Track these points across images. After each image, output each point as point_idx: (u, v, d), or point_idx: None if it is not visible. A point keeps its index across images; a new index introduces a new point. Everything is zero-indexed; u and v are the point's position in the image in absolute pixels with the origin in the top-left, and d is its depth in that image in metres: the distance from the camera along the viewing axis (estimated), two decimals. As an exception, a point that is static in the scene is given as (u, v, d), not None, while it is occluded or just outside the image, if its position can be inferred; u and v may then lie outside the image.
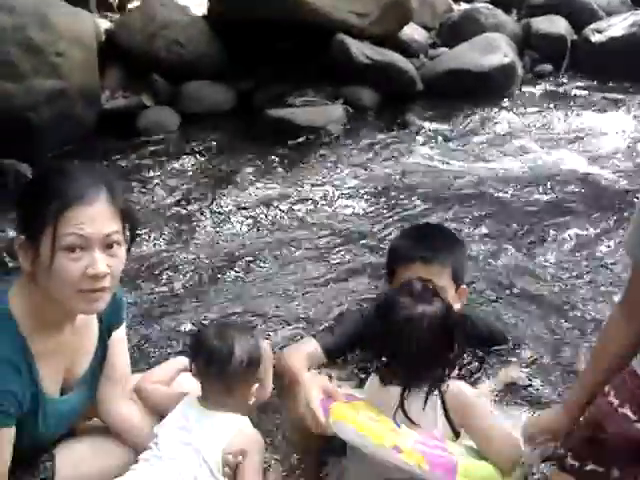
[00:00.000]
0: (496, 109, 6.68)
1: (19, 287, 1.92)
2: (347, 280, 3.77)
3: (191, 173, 5.34)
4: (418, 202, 4.76)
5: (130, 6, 7.62)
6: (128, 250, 1.93)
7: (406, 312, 2.11)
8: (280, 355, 2.53)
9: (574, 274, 3.81)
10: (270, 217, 4.59)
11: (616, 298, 3.27)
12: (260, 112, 6.24)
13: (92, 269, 1.80)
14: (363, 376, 2.49)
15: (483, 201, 4.75)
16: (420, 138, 6.02)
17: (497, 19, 7.96)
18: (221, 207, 4.73)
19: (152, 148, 5.80)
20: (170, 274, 3.88)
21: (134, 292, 3.60)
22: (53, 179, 1.88)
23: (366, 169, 5.40)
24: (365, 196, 4.89)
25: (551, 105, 6.85)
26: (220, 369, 2.10)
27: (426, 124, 6.30)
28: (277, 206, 4.73)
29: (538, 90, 7.34)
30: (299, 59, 6.45)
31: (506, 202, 4.74)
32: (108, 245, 1.84)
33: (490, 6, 8.25)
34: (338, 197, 4.89)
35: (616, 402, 1.91)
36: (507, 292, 3.59)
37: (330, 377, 2.44)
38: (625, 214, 4.37)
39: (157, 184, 5.11)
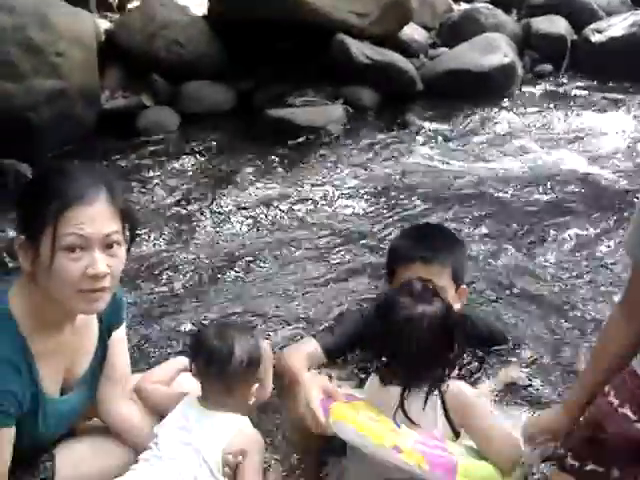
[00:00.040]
0: (496, 109, 6.68)
1: (19, 287, 1.92)
2: (347, 280, 3.77)
3: (191, 173, 5.34)
4: (418, 202, 4.75)
5: (130, 6, 7.61)
6: (128, 250, 1.93)
7: (406, 312, 2.10)
8: (280, 355, 2.52)
9: (574, 274, 3.81)
10: (270, 217, 4.59)
11: (616, 298, 3.26)
12: (260, 112, 6.24)
13: (92, 269, 1.80)
14: (363, 376, 2.49)
15: (483, 201, 4.75)
16: (420, 138, 6.02)
17: (497, 19, 7.96)
18: (221, 207, 4.73)
19: (152, 148, 5.80)
20: (170, 274, 3.88)
21: (134, 292, 3.61)
22: (53, 179, 1.88)
23: (366, 169, 5.40)
24: (365, 196, 4.89)
25: (551, 105, 6.85)
26: (220, 369, 2.10)
27: (426, 124, 6.30)
28: (277, 206, 4.73)
29: (538, 90, 7.34)
30: (299, 59, 6.45)
31: (506, 202, 4.74)
32: (108, 245, 1.84)
33: (490, 6, 8.25)
34: (338, 197, 4.89)
35: (616, 402, 1.91)
36: (507, 292, 3.59)
37: (330, 377, 2.44)
38: (625, 214, 4.36)
39: (157, 184, 5.11)
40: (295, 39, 6.49)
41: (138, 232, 2.06)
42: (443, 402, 2.13)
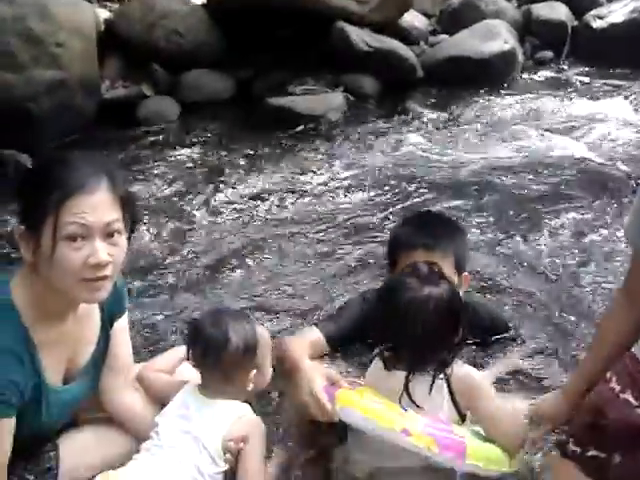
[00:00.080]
0: (497, 96, 6.67)
1: (21, 277, 1.92)
2: (350, 271, 3.74)
3: (191, 164, 5.33)
4: (419, 191, 4.74)
5: (129, -5, 7.58)
6: (129, 239, 1.94)
7: (412, 294, 2.09)
8: (281, 343, 2.53)
9: (574, 261, 3.80)
10: (270, 208, 4.58)
11: (616, 286, 3.28)
12: (260, 100, 6.24)
13: (94, 258, 1.81)
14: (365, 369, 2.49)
15: (483, 189, 4.74)
16: (421, 125, 6.01)
17: (497, 6, 7.92)
18: (221, 198, 4.71)
19: (152, 138, 5.80)
20: (170, 265, 3.87)
21: (133, 283, 3.59)
22: (54, 169, 1.88)
23: (366, 157, 5.39)
24: (365, 185, 4.87)
25: (552, 92, 6.83)
26: (217, 357, 2.10)
27: (426, 111, 6.29)
28: (277, 196, 4.71)
29: (539, 77, 7.32)
30: (299, 47, 6.43)
31: (506, 190, 4.73)
32: (109, 234, 1.84)
33: (490, -8, 8.21)
34: (338, 186, 4.87)
35: (617, 388, 1.91)
36: (507, 280, 3.58)
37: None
38: (625, 201, 4.36)
39: (157, 174, 5.11)
40: (295, 27, 6.47)
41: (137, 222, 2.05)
42: (449, 385, 2.12)
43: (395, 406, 2.10)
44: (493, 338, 2.85)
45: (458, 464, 2.08)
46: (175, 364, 2.31)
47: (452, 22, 7.81)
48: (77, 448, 2.11)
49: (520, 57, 7.39)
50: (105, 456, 2.12)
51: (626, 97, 6.63)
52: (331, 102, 6.26)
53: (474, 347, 2.75)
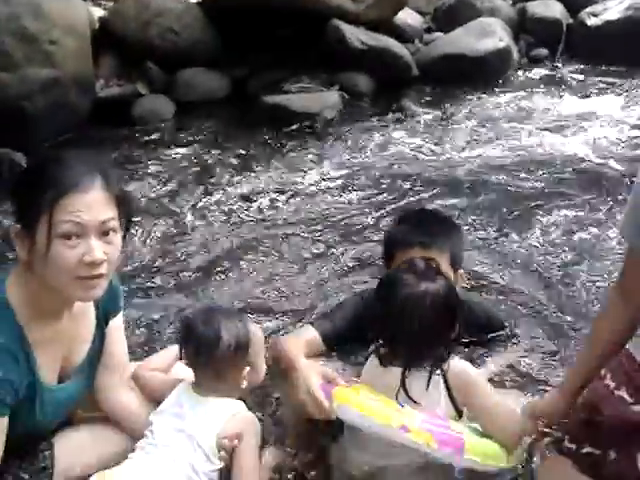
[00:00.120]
0: (491, 94, 6.68)
1: (16, 276, 1.92)
2: (345, 270, 3.72)
3: (186, 162, 5.33)
4: (413, 189, 4.75)
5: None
6: (124, 237, 1.94)
7: (409, 289, 2.10)
8: (277, 341, 2.52)
9: (568, 259, 3.80)
10: (265, 207, 4.57)
11: (611, 284, 3.29)
12: (255, 99, 6.24)
13: (89, 256, 1.81)
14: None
15: (478, 187, 4.75)
16: (416, 123, 6.01)
17: (492, 3, 7.92)
18: (216, 197, 4.70)
19: (147, 137, 5.79)
20: (165, 264, 3.87)
21: (128, 282, 3.57)
22: (48, 167, 1.87)
23: (361, 156, 5.39)
24: (360, 183, 4.88)
25: (547, 89, 6.84)
26: (209, 355, 2.10)
27: (421, 109, 6.29)
28: (272, 195, 4.71)
29: (533, 74, 7.33)
30: (294, 45, 6.43)
31: (501, 188, 4.73)
32: (104, 232, 1.84)
33: (485, -10, 8.22)
34: (333, 185, 4.87)
35: (612, 385, 1.92)
36: (501, 278, 3.58)
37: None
38: (619, 198, 4.37)
39: (152, 173, 5.10)
40: (290, 25, 6.47)
41: (132, 220, 2.05)
42: (445, 381, 2.13)
43: (392, 403, 2.10)
44: (489, 336, 2.85)
45: (456, 460, 2.09)
46: (170, 363, 2.31)
47: (447, 20, 7.80)
48: (72, 447, 2.11)
49: (515, 55, 7.40)
50: (101, 455, 2.12)
51: (621, 95, 6.64)
52: (326, 100, 6.26)
53: (470, 345, 2.75)
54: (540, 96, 6.64)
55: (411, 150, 5.47)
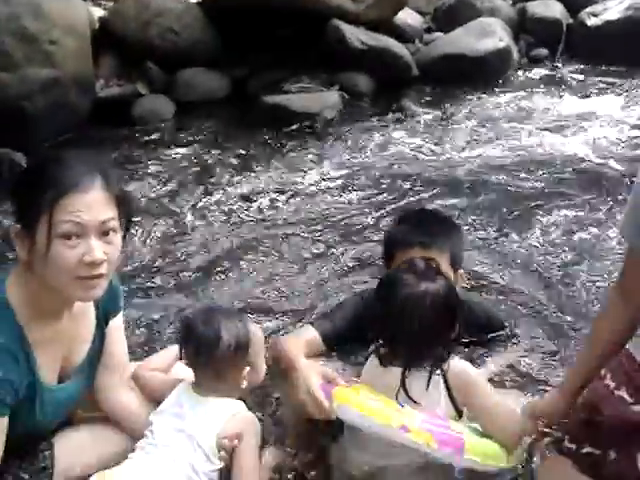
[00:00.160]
0: (491, 94, 6.68)
1: (16, 276, 1.92)
2: (345, 270, 3.72)
3: (186, 162, 5.32)
4: (413, 189, 4.75)
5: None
6: (124, 237, 1.94)
7: (409, 289, 2.10)
8: (276, 341, 2.52)
9: (568, 259, 3.80)
10: (265, 207, 4.57)
11: (611, 284, 3.29)
12: (255, 99, 6.24)
13: (89, 256, 1.81)
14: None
15: (478, 187, 4.75)
16: (416, 123, 6.02)
17: (492, 3, 7.92)
18: (216, 197, 4.70)
19: (147, 137, 5.79)
20: (165, 265, 3.87)
21: (127, 282, 3.57)
22: (48, 167, 1.87)
23: (362, 155, 5.40)
24: (359, 183, 4.88)
25: (547, 89, 6.84)
26: (209, 355, 2.10)
27: (421, 109, 6.30)
28: (272, 196, 4.70)
29: (534, 74, 7.33)
30: (294, 45, 6.43)
31: (500, 188, 4.73)
32: (104, 232, 1.84)
33: (485, -10, 8.22)
34: (333, 185, 4.87)
35: (612, 385, 1.92)
36: (501, 278, 3.58)
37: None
38: (619, 198, 4.37)
39: (152, 174, 5.10)
40: (290, 25, 6.47)
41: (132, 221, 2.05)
42: (445, 381, 2.13)
43: (392, 403, 2.10)
44: (489, 336, 2.85)
45: (456, 460, 2.09)
46: (170, 363, 2.31)
47: (447, 20, 7.80)
48: (72, 447, 2.11)
49: (515, 55, 7.40)
50: (101, 455, 2.12)
51: (621, 95, 6.63)
52: (326, 100, 6.26)
53: (470, 345, 2.75)
54: (540, 96, 6.64)
55: (411, 150, 5.47)
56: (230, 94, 6.54)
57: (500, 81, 7.01)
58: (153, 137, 5.79)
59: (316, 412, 2.16)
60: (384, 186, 4.82)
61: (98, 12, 6.75)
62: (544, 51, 7.73)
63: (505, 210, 4.39)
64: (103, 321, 2.13)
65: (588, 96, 6.64)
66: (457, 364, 2.15)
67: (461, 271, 2.64)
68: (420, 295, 2.09)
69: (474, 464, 2.10)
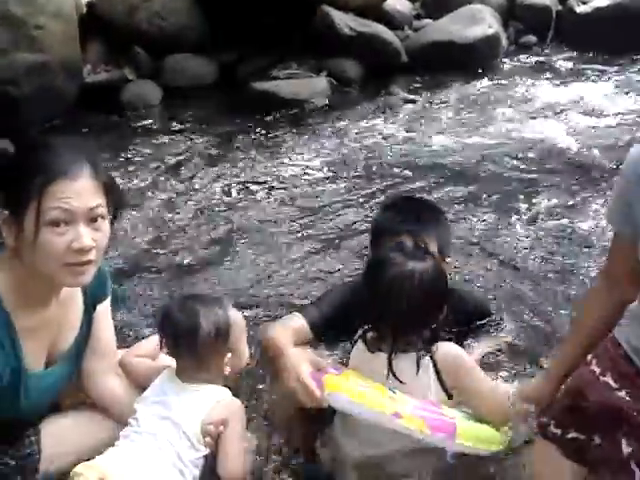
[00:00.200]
0: (480, 81, 6.68)
1: (2, 263, 1.91)
2: (334, 259, 3.73)
3: (174, 149, 5.31)
4: (402, 175, 4.76)
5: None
6: (112, 224, 1.93)
7: (397, 269, 2.08)
8: (265, 330, 2.52)
9: (554, 247, 3.82)
10: (254, 195, 4.56)
11: (595, 271, 3.32)
12: (243, 85, 6.22)
13: (77, 243, 1.80)
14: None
15: (466, 174, 4.76)
16: (404, 110, 6.02)
17: (481, -10, 7.91)
18: (203, 184, 4.70)
19: (135, 123, 5.78)
20: (153, 251, 3.86)
21: (114, 271, 3.55)
22: (36, 154, 1.87)
23: (350, 142, 5.39)
24: (348, 170, 4.88)
25: (536, 76, 6.85)
26: (188, 343, 2.09)
27: (410, 96, 6.30)
28: (261, 183, 4.71)
29: (523, 61, 7.34)
30: (283, 31, 6.40)
31: (488, 175, 4.75)
32: (92, 219, 1.84)
33: (474, -23, 8.19)
34: (322, 173, 4.87)
35: (598, 370, 1.93)
36: (486, 264, 3.61)
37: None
38: (604, 185, 4.39)
39: (139, 160, 5.09)
40: (277, 11, 6.42)
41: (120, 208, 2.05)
42: (434, 365, 2.12)
43: (383, 389, 2.10)
44: (478, 323, 2.86)
45: (449, 444, 2.09)
46: (157, 349, 2.30)
47: (436, 6, 7.78)
48: (59, 433, 2.10)
49: (504, 42, 7.40)
50: (87, 441, 2.11)
51: (609, 81, 6.65)
52: (315, 87, 6.25)
53: (458, 331, 2.76)
54: (529, 83, 6.65)
55: (399, 137, 5.48)
56: (218, 80, 6.51)
57: (489, 68, 7.01)
58: (141, 123, 5.78)
59: (307, 400, 2.15)
60: (372, 174, 4.82)
61: (86, -3, 6.68)
62: (533, 38, 7.74)
63: (492, 197, 4.40)
64: (91, 307, 2.12)
65: (577, 83, 6.65)
66: (446, 347, 2.14)
67: (449, 259, 2.64)
68: (408, 274, 2.07)
69: (466, 448, 2.11)
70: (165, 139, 5.46)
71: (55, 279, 1.88)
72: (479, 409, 2.17)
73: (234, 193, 4.57)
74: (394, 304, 2.05)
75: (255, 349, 2.53)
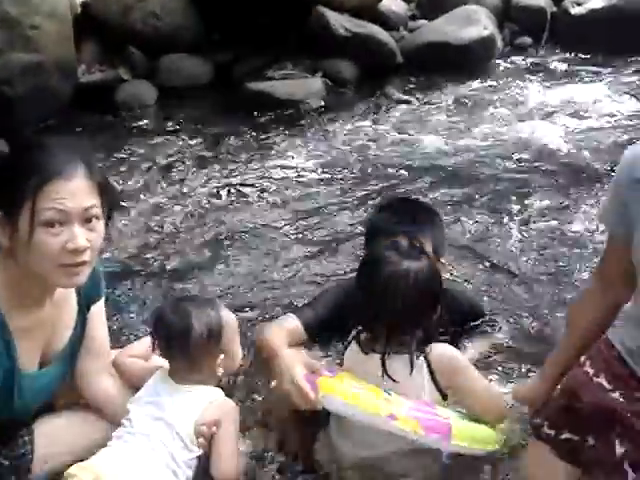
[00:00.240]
0: (475, 82, 6.68)
1: (-4, 263, 1.91)
2: (328, 261, 3.71)
3: (169, 149, 5.30)
4: (396, 176, 4.75)
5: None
6: (106, 224, 1.93)
7: (392, 267, 2.08)
8: (259, 331, 2.52)
9: (548, 248, 3.82)
10: (249, 195, 4.55)
11: (587, 272, 3.33)
12: (239, 85, 6.21)
13: (72, 243, 1.80)
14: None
15: (461, 175, 4.76)
16: (399, 111, 6.02)
17: (477, -9, 7.92)
18: (198, 185, 4.68)
19: (130, 123, 5.77)
20: (148, 252, 3.85)
21: (108, 271, 3.53)
22: (31, 154, 1.87)
23: (345, 142, 5.39)
24: (344, 171, 4.87)
25: (530, 78, 6.85)
26: (181, 345, 2.09)
27: (405, 97, 6.29)
28: (256, 184, 4.69)
29: (518, 63, 7.34)
30: (277, 31, 6.40)
31: (482, 177, 4.74)
32: (87, 219, 1.83)
33: (470, -22, 8.21)
34: (318, 174, 4.86)
35: (591, 372, 1.94)
36: (479, 265, 3.60)
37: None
38: (597, 186, 4.40)
39: (134, 160, 5.08)
40: (273, 11, 6.42)
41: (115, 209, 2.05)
42: (429, 365, 2.12)
43: (378, 390, 2.10)
44: (471, 324, 2.86)
45: (444, 445, 2.10)
46: (150, 350, 2.30)
47: (431, 7, 7.78)
48: (53, 433, 2.10)
49: (499, 43, 7.41)
50: (81, 442, 2.11)
51: (604, 83, 6.66)
52: (310, 87, 6.25)
53: (452, 332, 2.77)
54: (524, 84, 6.66)
55: (394, 138, 5.47)
56: (213, 80, 6.50)
57: (484, 69, 7.01)
58: (135, 123, 5.77)
59: (302, 402, 2.14)
60: (366, 175, 4.82)
61: (80, -3, 6.67)
62: (528, 39, 7.75)
63: (485, 198, 4.39)
64: (85, 307, 2.12)
65: (572, 85, 6.66)
66: (440, 348, 2.14)
67: (443, 260, 2.65)
68: (403, 273, 2.06)
69: (462, 449, 2.11)
70: (160, 139, 5.45)
71: (49, 280, 1.88)
72: (474, 407, 2.18)
73: (228, 195, 4.56)
74: (389, 302, 2.05)
75: (249, 350, 2.53)
